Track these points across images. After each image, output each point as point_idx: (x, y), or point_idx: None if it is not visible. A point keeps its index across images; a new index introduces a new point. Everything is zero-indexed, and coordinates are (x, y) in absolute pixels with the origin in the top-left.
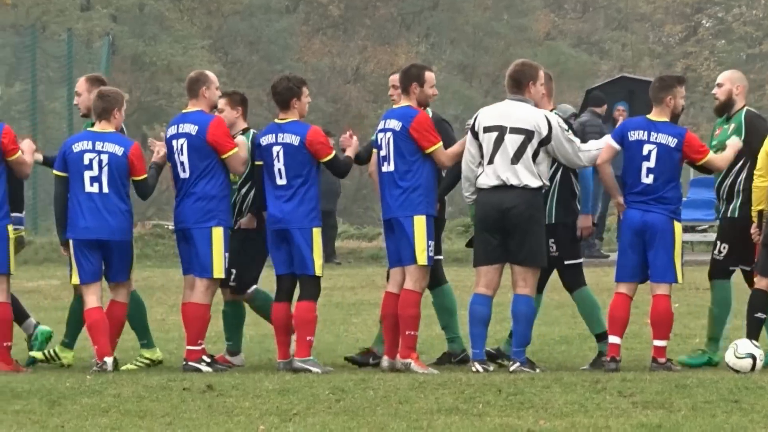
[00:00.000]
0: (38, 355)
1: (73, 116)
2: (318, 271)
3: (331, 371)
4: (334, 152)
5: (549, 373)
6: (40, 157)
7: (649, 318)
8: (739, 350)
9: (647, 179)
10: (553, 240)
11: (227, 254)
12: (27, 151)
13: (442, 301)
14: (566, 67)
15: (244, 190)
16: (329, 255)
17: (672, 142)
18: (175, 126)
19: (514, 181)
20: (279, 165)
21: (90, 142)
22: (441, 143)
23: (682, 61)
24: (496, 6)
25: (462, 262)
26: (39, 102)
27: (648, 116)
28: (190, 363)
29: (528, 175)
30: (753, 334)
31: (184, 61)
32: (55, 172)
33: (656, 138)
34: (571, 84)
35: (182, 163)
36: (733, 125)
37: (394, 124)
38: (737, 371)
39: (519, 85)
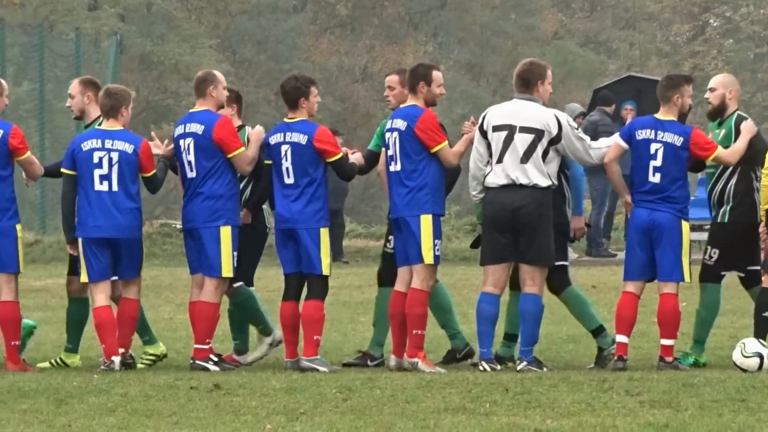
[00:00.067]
0: (45, 364)
1: None
2: (325, 271)
3: (339, 370)
4: (341, 154)
5: (556, 372)
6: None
7: (656, 317)
8: (747, 349)
9: (654, 178)
10: None
11: (236, 253)
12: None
13: (437, 299)
14: (574, 67)
15: (240, 186)
16: (337, 254)
17: (678, 141)
18: (183, 126)
19: (523, 180)
20: (287, 164)
21: (99, 141)
22: (446, 142)
23: (689, 60)
24: (503, 5)
25: (469, 261)
26: (47, 101)
27: (655, 115)
28: (198, 362)
29: (537, 175)
30: (760, 332)
31: (191, 61)
32: (63, 170)
33: (663, 137)
34: (578, 83)
35: (189, 163)
36: (723, 131)
37: (400, 123)
38: (744, 370)
39: (528, 84)
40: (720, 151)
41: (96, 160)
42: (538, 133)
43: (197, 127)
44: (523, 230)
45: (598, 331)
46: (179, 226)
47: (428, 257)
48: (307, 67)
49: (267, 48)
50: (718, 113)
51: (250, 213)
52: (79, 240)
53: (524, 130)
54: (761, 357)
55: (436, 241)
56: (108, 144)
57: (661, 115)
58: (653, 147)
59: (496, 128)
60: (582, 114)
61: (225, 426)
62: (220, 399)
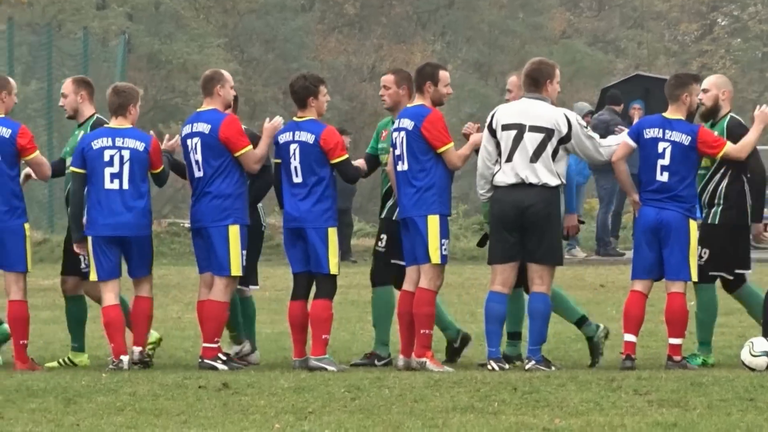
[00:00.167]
0: (53, 364)
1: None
2: (334, 270)
3: (347, 369)
4: (346, 156)
5: (564, 371)
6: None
7: (664, 316)
8: (755, 348)
9: (662, 177)
10: None
11: (245, 252)
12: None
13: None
14: (582, 66)
15: None
16: (345, 253)
17: (686, 140)
18: (190, 125)
19: (533, 180)
20: (295, 163)
21: (110, 139)
22: (452, 144)
23: (697, 59)
24: (511, 4)
25: (477, 260)
26: (55, 100)
27: (664, 114)
28: (206, 361)
29: (547, 174)
30: None
31: (199, 60)
32: (72, 168)
33: (671, 136)
34: (586, 82)
35: (197, 162)
36: (716, 132)
37: (407, 123)
38: (753, 369)
39: (536, 83)
40: (729, 147)
41: (107, 158)
42: (548, 132)
43: (204, 127)
44: (532, 229)
45: (581, 322)
46: (187, 225)
47: (435, 257)
48: (315, 66)
49: (275, 47)
50: (710, 114)
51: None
52: (89, 239)
53: (534, 129)
54: None
55: (443, 240)
56: (119, 142)
57: (669, 114)
58: (661, 146)
59: (505, 127)
60: (590, 112)
61: (233, 425)
62: (229, 398)
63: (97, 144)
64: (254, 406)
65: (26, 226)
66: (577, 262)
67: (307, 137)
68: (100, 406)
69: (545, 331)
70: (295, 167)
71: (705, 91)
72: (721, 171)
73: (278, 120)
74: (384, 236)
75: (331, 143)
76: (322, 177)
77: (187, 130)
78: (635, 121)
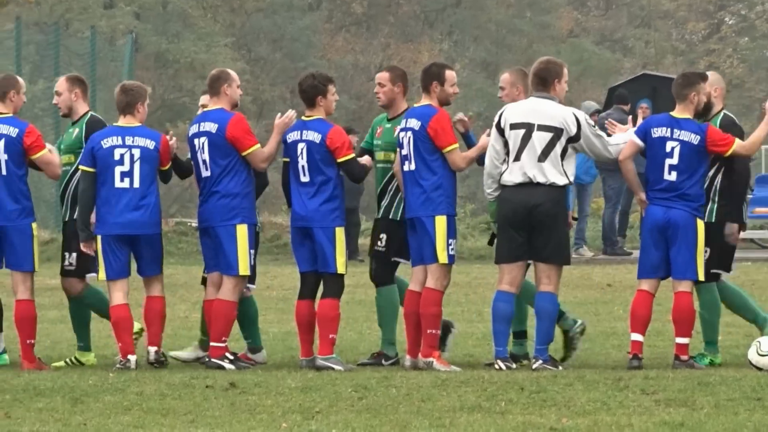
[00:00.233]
0: (60, 363)
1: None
2: (341, 269)
3: (354, 369)
4: (352, 155)
5: (571, 370)
6: None
7: (671, 315)
8: (762, 348)
9: (670, 176)
10: None
11: (253, 251)
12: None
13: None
14: (589, 65)
15: None
16: (352, 252)
17: (695, 139)
18: (197, 125)
19: (541, 179)
20: (302, 162)
21: (119, 138)
22: (457, 144)
23: (705, 58)
24: (519, 3)
25: (485, 259)
26: None
27: (671, 113)
28: (213, 360)
29: (555, 173)
30: None
31: (207, 59)
32: (81, 167)
33: (679, 135)
34: (594, 81)
35: (204, 162)
36: None
37: (414, 123)
38: (760, 369)
39: (545, 82)
40: (738, 144)
41: (117, 156)
42: (557, 132)
43: (211, 126)
44: (540, 228)
45: (559, 316)
46: (195, 224)
47: (443, 257)
48: (322, 65)
49: (282, 46)
50: (703, 112)
51: None
52: (98, 238)
53: (542, 128)
54: None
55: (450, 240)
56: (129, 141)
57: (677, 113)
58: (669, 145)
59: (513, 126)
60: (597, 111)
61: (240, 425)
62: (236, 398)
63: (107, 143)
64: (261, 406)
65: (34, 225)
66: (585, 262)
67: (314, 136)
68: (108, 406)
69: (552, 330)
70: (303, 166)
71: None
72: (714, 169)
73: (290, 114)
74: (384, 235)
75: (337, 142)
76: (330, 176)
77: (194, 129)
78: (640, 120)
